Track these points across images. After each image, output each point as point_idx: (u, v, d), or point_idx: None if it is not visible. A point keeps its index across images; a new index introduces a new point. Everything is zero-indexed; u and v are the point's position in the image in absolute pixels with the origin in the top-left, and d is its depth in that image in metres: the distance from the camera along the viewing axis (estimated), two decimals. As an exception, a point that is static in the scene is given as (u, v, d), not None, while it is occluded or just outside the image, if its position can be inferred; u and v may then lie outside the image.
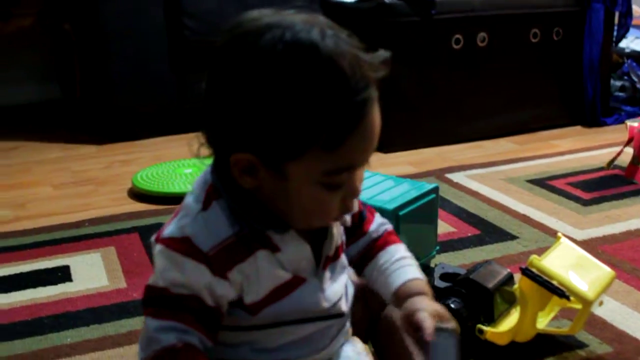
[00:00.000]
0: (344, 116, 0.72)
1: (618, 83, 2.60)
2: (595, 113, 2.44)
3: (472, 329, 1.12)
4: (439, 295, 1.15)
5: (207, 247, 0.78)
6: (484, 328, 1.11)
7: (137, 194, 1.92)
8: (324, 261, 0.87)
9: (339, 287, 0.91)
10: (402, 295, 0.89)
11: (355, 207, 0.84)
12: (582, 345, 1.16)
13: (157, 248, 0.79)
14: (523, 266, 1.10)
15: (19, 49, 2.94)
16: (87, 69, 2.55)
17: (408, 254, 0.96)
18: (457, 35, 2.22)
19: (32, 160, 2.31)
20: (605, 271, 1.13)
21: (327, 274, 0.88)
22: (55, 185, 2.05)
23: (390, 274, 0.93)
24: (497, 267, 1.22)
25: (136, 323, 1.26)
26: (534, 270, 1.08)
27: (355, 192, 0.80)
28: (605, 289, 1.12)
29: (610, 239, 1.56)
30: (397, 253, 0.95)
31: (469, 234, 1.60)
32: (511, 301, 1.16)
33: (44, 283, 1.44)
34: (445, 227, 1.63)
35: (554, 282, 1.07)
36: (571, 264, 1.11)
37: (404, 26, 2.12)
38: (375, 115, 0.75)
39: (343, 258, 0.92)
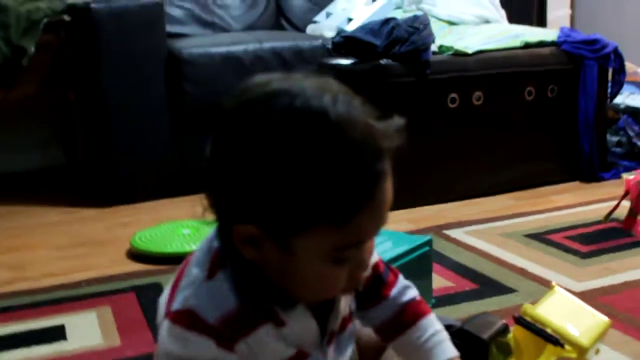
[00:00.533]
0: (354, 191, 0.68)
1: (615, 138, 2.62)
2: (592, 168, 2.46)
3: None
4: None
5: (212, 318, 0.75)
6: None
7: (135, 255, 1.92)
8: (328, 337, 0.85)
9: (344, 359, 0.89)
10: None
11: (363, 278, 0.80)
12: (579, 395, 1.14)
13: (165, 324, 0.77)
14: (516, 315, 1.09)
15: (23, 115, 3.00)
16: (90, 135, 2.59)
17: (440, 326, 0.93)
18: (453, 95, 2.25)
19: (32, 223, 2.32)
20: (600, 319, 1.11)
21: (332, 347, 0.86)
22: (55, 247, 2.05)
23: (426, 351, 0.91)
24: (492, 318, 1.20)
25: (131, 381, 1.25)
26: (527, 318, 1.07)
27: (363, 266, 0.77)
28: (601, 337, 1.11)
29: (609, 289, 1.55)
30: (430, 328, 0.92)
31: (467, 288, 1.60)
32: (507, 352, 1.15)
33: (38, 342, 1.43)
34: (442, 281, 1.62)
35: (548, 330, 1.06)
36: (565, 312, 1.10)
37: (400, 86, 2.16)
38: (387, 189, 0.72)
39: (350, 328, 0.90)
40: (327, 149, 0.68)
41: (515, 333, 1.09)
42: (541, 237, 1.91)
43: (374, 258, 0.93)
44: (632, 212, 1.89)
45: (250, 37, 2.60)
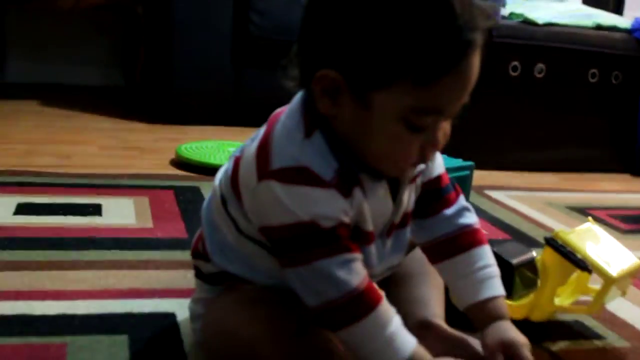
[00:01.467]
0: (444, 52, 0.68)
1: (673, 140, 2.56)
2: (646, 163, 2.41)
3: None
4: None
5: (328, 175, 0.74)
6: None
7: (179, 164, 1.95)
8: (389, 226, 0.84)
9: (395, 260, 0.89)
10: (487, 313, 0.87)
11: (432, 159, 0.80)
12: (599, 336, 1.12)
13: (271, 184, 0.74)
14: (548, 238, 1.08)
15: (89, 31, 3.06)
16: (151, 54, 2.63)
17: (493, 260, 0.91)
18: (515, 63, 2.22)
19: (83, 125, 2.38)
20: (632, 257, 1.10)
21: (390, 241, 0.86)
22: (102, 147, 2.10)
23: (473, 283, 0.88)
24: (522, 247, 1.20)
25: (156, 255, 1.27)
26: (558, 241, 1.06)
27: (435, 142, 0.75)
28: (631, 276, 1.09)
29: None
30: (483, 259, 0.89)
31: (500, 238, 1.58)
32: (529, 285, 1.13)
33: (74, 213, 1.46)
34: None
35: (578, 256, 1.05)
36: (598, 243, 1.09)
37: (464, 44, 2.14)
38: (474, 64, 0.71)
39: (408, 229, 0.88)
40: (425, 5, 0.68)
41: (543, 256, 1.07)
42: (583, 211, 1.88)
43: (440, 169, 0.91)
44: (679, 200, 1.85)
45: (322, -20, 2.60)
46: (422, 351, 0.78)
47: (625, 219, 1.85)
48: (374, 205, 0.80)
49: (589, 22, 2.33)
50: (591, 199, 2.04)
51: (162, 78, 2.52)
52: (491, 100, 2.23)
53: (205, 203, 0.94)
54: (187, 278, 1.17)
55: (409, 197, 0.86)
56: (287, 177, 0.74)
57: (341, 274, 0.74)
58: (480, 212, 1.75)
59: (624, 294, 1.12)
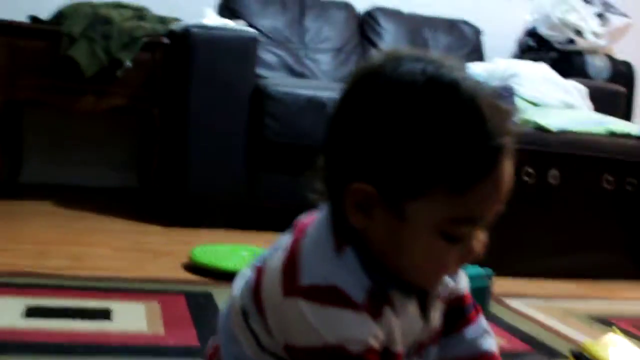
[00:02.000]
0: (478, 159, 0.69)
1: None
2: (665, 271, 2.37)
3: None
4: None
5: (359, 297, 0.72)
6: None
7: (192, 268, 1.92)
8: (417, 346, 0.82)
9: None
10: None
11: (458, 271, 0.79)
12: None
13: (299, 302, 0.72)
14: (575, 351, 1.04)
15: (106, 133, 3.12)
16: (166, 157, 2.66)
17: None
18: (529, 169, 2.23)
19: (97, 227, 2.37)
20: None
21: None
22: (114, 248, 2.09)
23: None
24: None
25: (169, 363, 1.24)
26: (586, 355, 1.03)
27: (472, 252, 0.74)
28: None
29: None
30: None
31: (520, 349, 1.53)
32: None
33: (84, 317, 1.43)
34: (497, 340, 1.56)
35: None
36: (623, 354, 1.05)
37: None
38: (507, 168, 0.72)
39: (436, 348, 0.86)
40: (455, 114, 0.69)
41: (573, 370, 1.04)
42: (605, 320, 1.83)
43: (465, 287, 0.90)
44: None
45: (336, 86, 2.64)
46: None
47: (648, 329, 1.80)
48: (404, 324, 0.77)
49: (601, 129, 2.35)
50: (612, 306, 1.99)
51: (177, 180, 2.54)
52: (506, 206, 2.21)
53: (223, 312, 0.91)
54: (199, 388, 1.13)
55: (438, 315, 0.84)
56: (316, 296, 0.71)
57: None
58: (498, 321, 1.70)
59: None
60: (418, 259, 0.73)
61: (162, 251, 2.11)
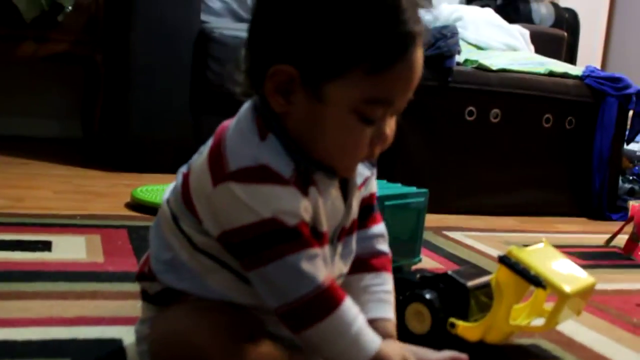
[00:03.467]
0: (392, 42, 0.72)
1: (627, 185, 2.61)
2: (601, 206, 2.44)
3: (443, 322, 1.08)
4: (415, 287, 1.12)
5: (287, 174, 0.75)
6: (456, 322, 1.07)
7: (134, 206, 1.92)
8: (339, 231, 0.85)
9: (344, 268, 0.89)
10: (381, 331, 0.86)
11: (380, 151, 0.80)
12: (556, 358, 1.11)
13: (230, 186, 0.74)
14: (502, 255, 1.07)
15: (48, 82, 3.05)
16: (109, 102, 2.62)
17: (392, 290, 0.93)
18: (471, 107, 2.26)
19: (38, 172, 2.34)
20: (586, 276, 1.09)
21: (340, 247, 0.86)
22: (56, 191, 2.06)
23: (371, 300, 0.90)
24: (478, 271, 1.19)
25: (105, 287, 1.24)
26: (512, 259, 1.06)
27: (384, 137, 0.77)
28: (585, 295, 1.09)
29: (601, 292, 1.52)
30: (387, 285, 0.92)
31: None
32: (484, 310, 1.12)
33: (23, 249, 1.42)
34: (432, 264, 1.60)
35: (532, 272, 1.04)
36: (553, 261, 1.09)
37: (421, 89, 2.17)
38: (420, 55, 0.75)
39: (354, 237, 0.89)
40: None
41: (497, 275, 1.06)
42: (540, 249, 1.89)
43: (375, 187, 0.94)
44: (633, 237, 1.87)
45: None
46: (387, 349, 0.78)
47: (583, 255, 1.86)
48: (327, 206, 0.80)
49: (541, 69, 2.39)
50: (549, 238, 2.03)
51: (120, 126, 2.51)
52: (449, 144, 2.25)
53: (153, 223, 0.92)
54: (136, 308, 1.13)
55: (356, 204, 0.87)
56: (247, 177, 0.74)
57: (309, 268, 0.75)
58: (437, 250, 1.75)
59: (578, 314, 1.11)
60: (335, 139, 0.76)
61: (105, 193, 2.10)
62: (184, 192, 0.82)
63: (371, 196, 0.94)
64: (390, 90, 0.74)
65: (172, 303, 0.86)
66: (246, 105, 0.81)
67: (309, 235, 0.76)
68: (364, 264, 0.92)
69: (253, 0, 0.79)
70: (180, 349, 0.79)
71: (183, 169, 0.87)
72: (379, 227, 0.95)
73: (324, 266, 0.77)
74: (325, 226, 0.80)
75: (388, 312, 0.90)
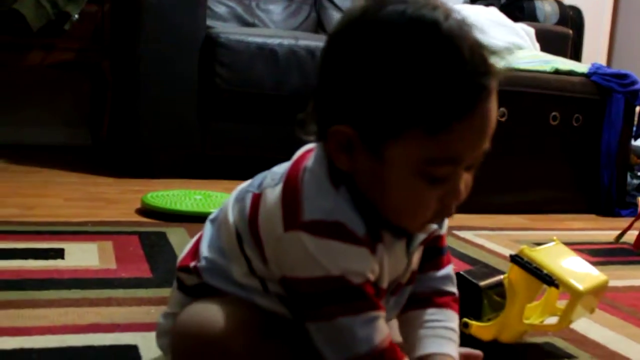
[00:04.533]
0: (453, 99, 0.66)
1: (636, 181, 2.60)
2: (610, 202, 2.44)
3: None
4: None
5: (360, 232, 0.73)
6: (470, 321, 1.08)
7: (145, 212, 1.93)
8: (395, 285, 0.83)
9: (392, 316, 0.87)
10: None
11: (455, 208, 0.75)
12: (570, 356, 1.11)
13: (302, 236, 0.72)
14: (514, 255, 1.07)
15: (56, 90, 3.07)
16: (117, 109, 2.63)
17: (458, 330, 0.89)
18: (478, 107, 2.26)
19: (49, 180, 2.35)
20: (599, 274, 1.09)
21: (393, 299, 0.85)
22: (67, 199, 2.07)
23: (429, 335, 0.86)
24: (490, 271, 1.20)
25: (119, 293, 1.25)
26: (524, 258, 1.06)
27: (457, 193, 0.73)
28: (598, 293, 1.09)
29: (613, 289, 1.51)
30: (450, 322, 0.88)
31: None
32: (497, 309, 1.12)
33: (35, 257, 1.43)
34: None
35: (544, 272, 1.05)
36: (565, 260, 1.09)
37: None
38: (489, 109, 0.70)
39: (410, 288, 0.87)
40: (431, 53, 0.67)
41: (510, 274, 1.07)
42: (550, 246, 1.89)
43: (445, 229, 0.91)
44: (644, 233, 1.87)
45: (287, 34, 2.65)
46: None
47: (593, 252, 1.86)
48: (391, 262, 0.78)
49: (547, 67, 2.39)
50: (559, 236, 2.03)
51: (128, 133, 2.52)
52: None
53: (210, 219, 0.91)
54: (150, 313, 1.15)
55: (417, 257, 0.85)
56: (320, 231, 0.72)
57: (365, 331, 0.73)
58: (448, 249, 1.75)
59: (591, 312, 1.12)
60: (400, 201, 0.72)
61: (115, 199, 2.11)
62: (252, 220, 0.80)
63: (439, 238, 0.90)
64: (455, 149, 0.69)
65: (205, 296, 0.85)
66: (321, 150, 0.78)
67: (372, 295, 0.74)
68: (426, 300, 0.89)
69: (319, 60, 0.75)
70: (202, 340, 0.78)
71: (252, 189, 0.83)
72: (446, 270, 0.92)
73: (385, 326, 0.76)
74: (386, 283, 0.79)
75: (446, 347, 0.85)
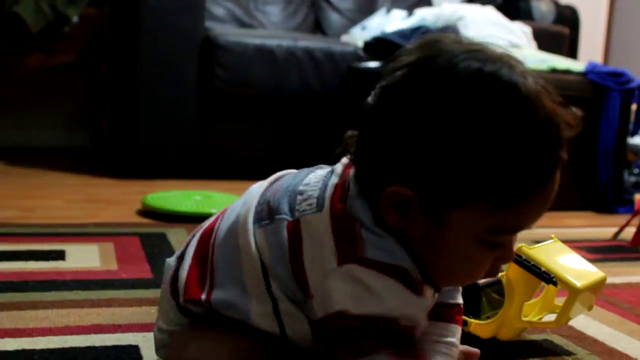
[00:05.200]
0: (529, 174, 0.63)
1: (633, 179, 2.62)
2: (607, 200, 2.45)
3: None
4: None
5: (417, 277, 0.70)
6: (468, 319, 1.09)
7: (145, 213, 1.94)
8: None
9: None
10: None
11: (500, 270, 0.73)
12: (569, 352, 1.12)
13: (360, 270, 0.68)
14: (511, 253, 1.08)
15: (55, 92, 3.07)
16: (117, 111, 2.64)
17: (458, 343, 0.88)
18: (475, 106, 2.26)
19: (49, 182, 2.36)
20: (597, 271, 1.10)
21: None
22: (67, 200, 2.08)
23: (432, 350, 0.85)
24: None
25: (120, 294, 1.26)
26: (522, 255, 1.07)
27: (510, 256, 0.71)
28: (596, 289, 1.10)
29: (611, 286, 1.53)
30: (452, 337, 0.87)
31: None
32: (496, 307, 1.13)
33: (37, 259, 1.44)
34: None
35: (542, 269, 1.06)
36: (562, 258, 1.10)
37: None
38: (558, 177, 0.67)
39: None
40: (511, 122, 0.62)
41: (508, 272, 1.08)
42: (548, 244, 1.90)
43: None
44: (641, 230, 1.88)
45: (285, 35, 2.66)
46: None
47: (591, 249, 1.87)
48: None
49: (544, 66, 2.40)
50: (556, 233, 2.04)
51: (128, 134, 2.53)
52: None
53: (222, 248, 0.81)
54: (151, 314, 1.15)
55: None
56: (384, 269, 0.68)
57: None
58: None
59: (589, 308, 1.12)
60: (454, 265, 0.70)
61: (116, 201, 2.11)
62: (293, 250, 0.73)
63: None
64: (523, 220, 0.67)
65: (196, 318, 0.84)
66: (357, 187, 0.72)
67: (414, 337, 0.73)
68: (434, 314, 0.85)
69: (369, 112, 0.69)
70: None
71: (282, 215, 0.75)
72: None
73: None
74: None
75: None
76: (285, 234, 0.74)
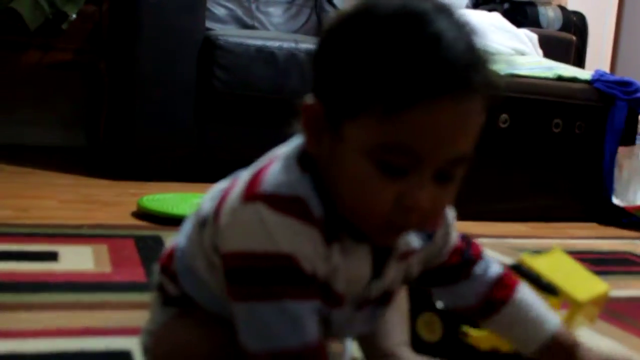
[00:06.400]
0: (419, 77, 0.61)
1: (638, 190, 2.59)
2: (612, 211, 2.41)
3: (455, 331, 1.07)
4: (427, 296, 1.10)
5: (318, 214, 0.68)
6: (469, 330, 1.05)
7: (141, 215, 1.90)
8: (361, 300, 0.77)
9: (362, 331, 0.84)
10: (564, 344, 0.87)
11: (414, 221, 0.68)
12: (572, 366, 1.09)
13: (259, 207, 0.67)
14: (514, 264, 1.05)
15: (52, 91, 3.04)
16: (114, 110, 2.61)
17: (531, 295, 0.89)
18: (479, 113, 2.24)
19: (44, 182, 2.33)
20: (600, 283, 1.07)
21: (359, 315, 0.79)
22: (61, 201, 2.05)
23: (531, 326, 0.87)
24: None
25: (113, 297, 1.23)
26: (524, 267, 1.04)
27: (414, 200, 0.65)
28: (599, 302, 1.07)
29: (614, 300, 1.49)
30: (524, 301, 0.88)
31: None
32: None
33: (29, 260, 1.41)
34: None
35: (544, 280, 1.02)
36: (565, 269, 1.07)
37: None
38: (466, 108, 0.64)
39: (386, 310, 0.83)
40: (409, 35, 0.62)
41: (511, 283, 1.05)
42: (551, 255, 1.87)
43: (452, 245, 0.87)
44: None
45: (287, 37, 2.63)
46: None
47: (595, 261, 1.84)
48: (349, 269, 0.73)
49: (550, 74, 2.37)
50: (560, 244, 2.02)
51: (125, 134, 2.50)
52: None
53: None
54: (144, 318, 1.12)
55: (394, 276, 0.79)
56: (279, 205, 0.67)
57: (309, 322, 0.67)
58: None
59: (592, 321, 1.09)
60: (351, 187, 0.67)
61: (111, 202, 2.08)
62: (219, 204, 0.75)
63: (453, 254, 0.87)
64: (412, 136, 0.63)
65: (179, 309, 0.83)
66: (294, 143, 0.75)
67: (317, 288, 0.70)
68: (490, 304, 0.88)
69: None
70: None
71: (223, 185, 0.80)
72: (481, 266, 0.89)
73: (321, 326, 0.70)
74: (341, 286, 0.73)
75: (549, 324, 0.88)
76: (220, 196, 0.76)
